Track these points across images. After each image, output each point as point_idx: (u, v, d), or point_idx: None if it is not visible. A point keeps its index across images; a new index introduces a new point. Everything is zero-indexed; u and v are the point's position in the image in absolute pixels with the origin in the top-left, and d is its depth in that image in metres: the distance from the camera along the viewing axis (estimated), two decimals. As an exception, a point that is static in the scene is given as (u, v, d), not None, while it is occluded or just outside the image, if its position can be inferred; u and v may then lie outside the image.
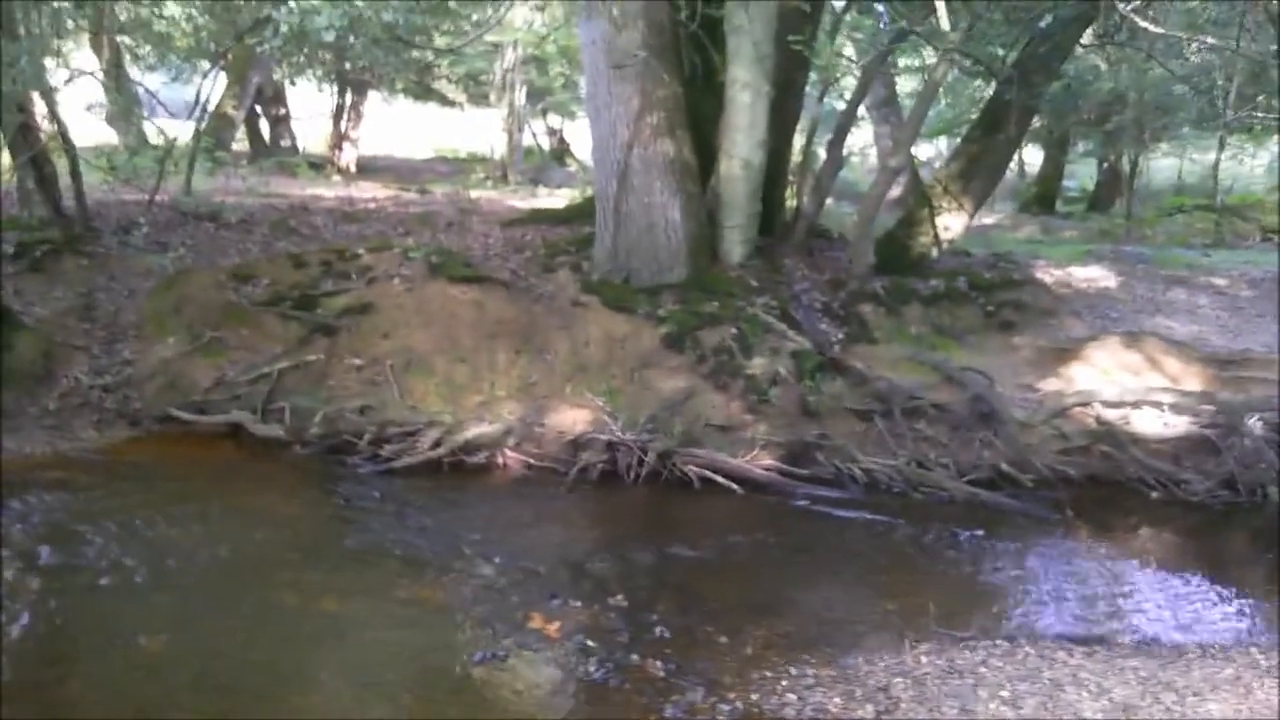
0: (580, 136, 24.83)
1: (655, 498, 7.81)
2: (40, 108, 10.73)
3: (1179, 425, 8.42)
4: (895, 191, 15.48)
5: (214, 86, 14.94)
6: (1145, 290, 11.31)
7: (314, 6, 9.00)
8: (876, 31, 13.71)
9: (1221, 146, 18.33)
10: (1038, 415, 8.49)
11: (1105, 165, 22.07)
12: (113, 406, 8.62)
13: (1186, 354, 9.21)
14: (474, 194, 15.99)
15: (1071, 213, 21.23)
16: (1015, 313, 10.03)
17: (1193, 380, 8.92)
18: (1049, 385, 8.94)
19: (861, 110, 16.18)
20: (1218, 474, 8.10)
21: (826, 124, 14.97)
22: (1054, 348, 9.49)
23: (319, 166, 19.56)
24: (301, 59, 18.78)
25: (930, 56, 14.67)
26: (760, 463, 8.06)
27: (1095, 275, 11.78)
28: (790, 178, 12.10)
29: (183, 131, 13.49)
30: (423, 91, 24.30)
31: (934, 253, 10.82)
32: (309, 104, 23.30)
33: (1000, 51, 11.75)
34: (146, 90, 15.67)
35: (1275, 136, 18.40)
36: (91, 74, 13.56)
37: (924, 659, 5.35)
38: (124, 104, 15.44)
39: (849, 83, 16.40)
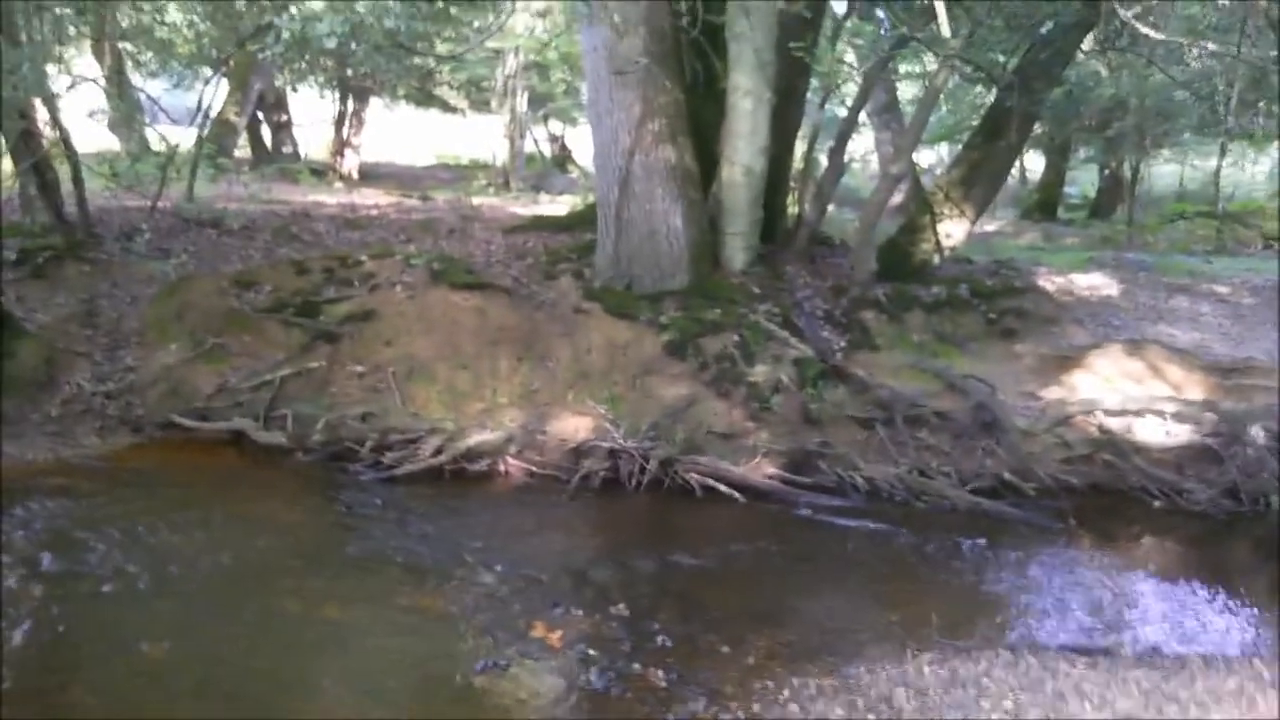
0: (582, 143, 24.85)
1: (657, 506, 7.80)
2: (42, 114, 10.74)
3: (1181, 434, 8.41)
4: (897, 198, 15.51)
5: (216, 93, 14.96)
6: (1147, 298, 11.30)
7: (315, 13, 9.02)
8: (877, 38, 13.69)
9: (1223, 153, 18.32)
10: (1040, 423, 8.48)
11: (1106, 172, 22.09)
12: (115, 413, 8.61)
13: (1189, 362, 9.20)
14: (476, 200, 16.03)
15: (1073, 219, 21.24)
16: (1017, 320, 10.01)
17: (1195, 388, 8.91)
18: (1051, 393, 8.93)
19: (863, 116, 16.19)
20: (1220, 483, 8.08)
21: (828, 130, 14.98)
22: (1056, 355, 9.48)
23: (321, 173, 19.59)
24: (303, 65, 18.80)
25: (931, 63, 14.68)
26: (762, 471, 8.05)
27: (1097, 282, 11.77)
28: (792, 184, 12.10)
29: (185, 138, 13.50)
30: (424, 98, 24.34)
31: (936, 260, 10.82)
32: (311, 110, 23.34)
33: (1001, 58, 11.76)
34: (148, 97, 15.67)
35: (1276, 143, 18.39)
36: (94, 80, 13.56)
37: (926, 669, 5.34)
38: (126, 110, 15.43)
39: (850, 89, 16.42)
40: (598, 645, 5.54)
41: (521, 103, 21.88)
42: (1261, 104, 13.87)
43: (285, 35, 8.97)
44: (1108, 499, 8.12)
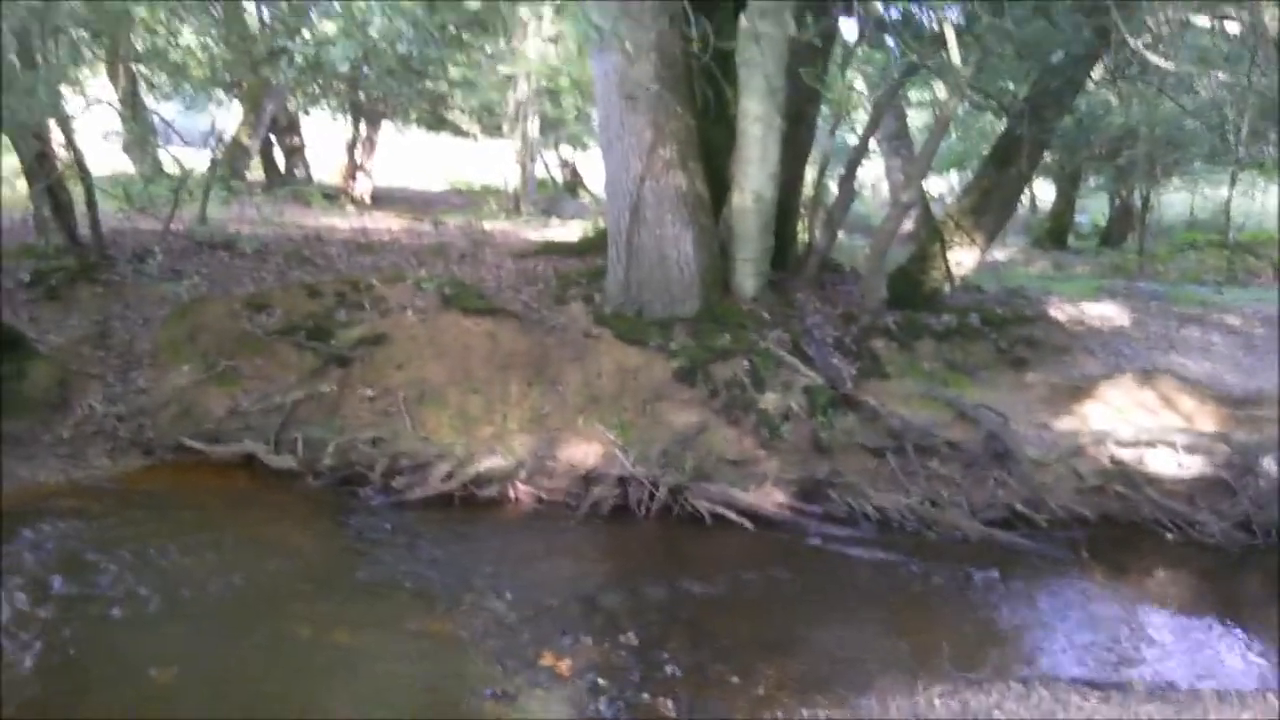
0: (593, 168, 24.95)
1: (666, 533, 7.77)
2: (57, 136, 10.80)
3: (1194, 465, 8.37)
4: (907, 225, 15.52)
5: (229, 116, 15.05)
6: (1159, 327, 11.28)
7: (329, 37, 9.08)
8: (888, 65, 13.75)
9: (1233, 182, 18.32)
10: (1052, 454, 8.45)
11: (1117, 200, 22.11)
12: (126, 435, 8.63)
13: (1201, 393, 9.17)
14: (487, 225, 16.03)
15: (1084, 248, 21.24)
16: (1028, 349, 9.99)
17: (1207, 419, 8.88)
18: (1063, 423, 8.90)
19: (873, 143, 16.22)
20: (1233, 515, 8.03)
21: (838, 157, 15.03)
22: (1068, 385, 9.44)
23: (333, 196, 19.65)
24: (316, 89, 18.95)
25: (941, 90, 14.73)
26: (772, 499, 8.03)
27: (1108, 312, 11.75)
28: (802, 211, 12.12)
29: (198, 160, 13.58)
30: (436, 122, 24.41)
31: (946, 288, 10.82)
32: (323, 134, 23.45)
33: (1011, 86, 11.79)
34: (162, 119, 15.78)
35: (1286, 173, 18.42)
36: (108, 103, 13.66)
37: (937, 701, 5.32)
38: (140, 132, 15.57)
39: (860, 116, 16.50)
40: (607, 674, 5.53)
41: (533, 128, 21.95)
42: (1272, 134, 13.87)
43: (299, 59, 9.05)
44: (1120, 530, 8.08)
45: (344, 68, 9.18)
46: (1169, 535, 7.98)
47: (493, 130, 24.06)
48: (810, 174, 12.48)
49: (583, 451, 8.34)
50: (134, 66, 17.84)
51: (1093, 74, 11.35)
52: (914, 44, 10.12)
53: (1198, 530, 7.96)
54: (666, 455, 8.22)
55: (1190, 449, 8.42)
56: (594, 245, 12.00)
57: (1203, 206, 23.05)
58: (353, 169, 21.49)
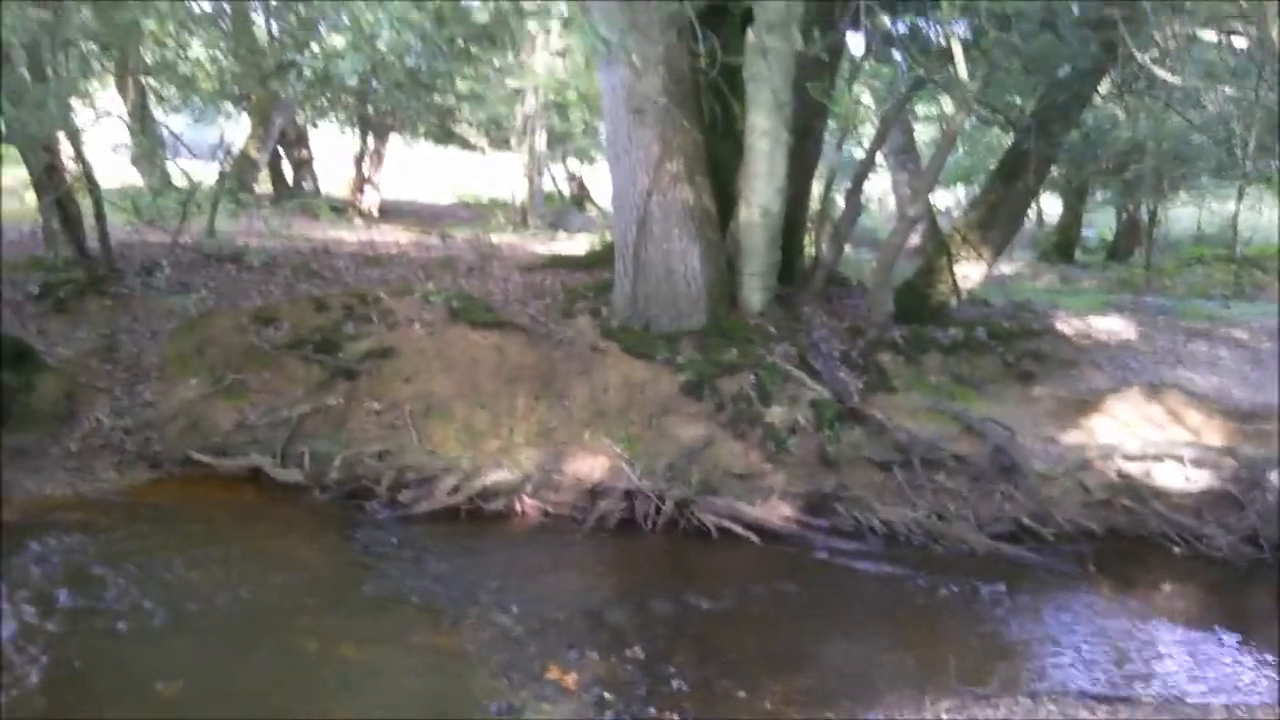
0: (600, 182, 25.00)
1: (673, 547, 7.77)
2: (66, 149, 10.84)
3: (1201, 479, 8.37)
4: (914, 239, 15.52)
5: (238, 129, 15.11)
6: (1166, 341, 11.26)
7: (338, 51, 9.11)
8: (895, 79, 13.76)
9: (1241, 196, 18.29)
10: (1059, 468, 8.45)
11: (1124, 214, 22.07)
12: (134, 448, 8.63)
13: (1208, 407, 9.16)
14: (494, 239, 16.07)
15: (1090, 262, 21.21)
16: (1035, 363, 9.99)
17: (1214, 433, 8.87)
18: (1070, 437, 8.89)
19: (880, 157, 16.23)
20: (1240, 529, 8.04)
21: (845, 171, 15.01)
22: (1074, 399, 9.44)
23: (341, 209, 19.69)
24: (325, 102, 19.00)
25: (948, 105, 14.73)
26: (779, 512, 8.03)
27: (1115, 326, 11.74)
28: (809, 225, 12.12)
29: (206, 173, 13.61)
30: (444, 135, 24.45)
31: (953, 302, 10.82)
32: (332, 147, 23.50)
33: (1018, 101, 11.80)
34: (171, 132, 15.84)
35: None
36: (117, 116, 13.72)
37: (945, 716, 5.31)
38: (149, 145, 15.61)
39: (867, 130, 16.51)
40: (613, 688, 5.52)
41: (540, 141, 22.00)
42: (1278, 148, 13.84)
43: (307, 73, 9.07)
44: (1127, 544, 8.07)
45: (352, 81, 9.19)
46: (1176, 549, 7.98)
47: (500, 144, 24.10)
48: (817, 188, 12.49)
49: (589, 465, 8.34)
50: (143, 79, 17.91)
51: (1100, 88, 11.35)
52: (921, 58, 10.13)
53: (1205, 544, 7.96)
54: (673, 469, 8.22)
55: (1197, 463, 8.42)
56: (601, 259, 12.01)
57: (1210, 221, 23.03)
58: (361, 182, 21.53)
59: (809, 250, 11.94)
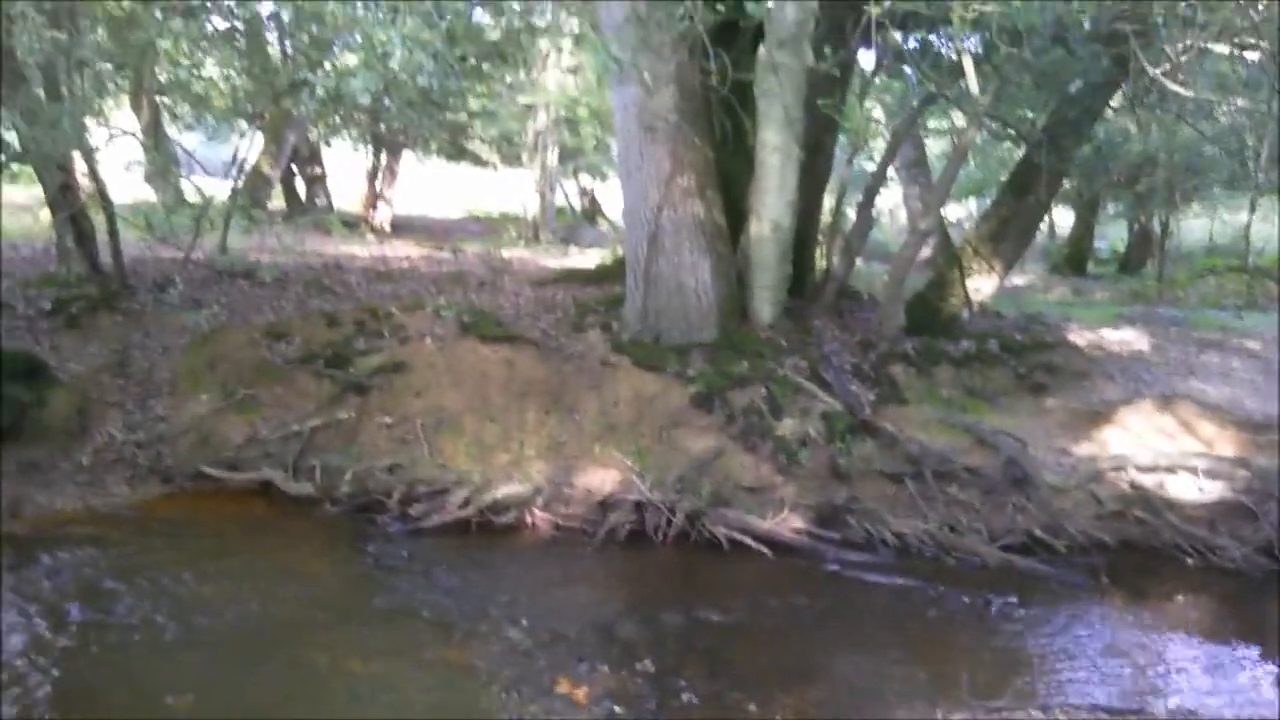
0: (611, 197, 25.04)
1: (683, 559, 7.75)
2: (80, 166, 10.90)
3: (1214, 490, 8.32)
4: (925, 252, 15.50)
5: (251, 146, 15.16)
6: (1178, 353, 11.23)
7: (350, 69, 9.15)
8: (906, 94, 13.78)
9: (1253, 208, 18.22)
10: (1071, 479, 8.41)
11: (1136, 226, 22.05)
12: (145, 463, 8.66)
13: (1221, 418, 9.12)
14: (506, 253, 16.12)
15: (1103, 274, 21.19)
16: (1047, 375, 9.96)
17: (1228, 445, 8.82)
18: (1082, 449, 8.86)
19: (891, 170, 16.24)
20: (1255, 540, 7.98)
21: (856, 185, 15.04)
22: (1087, 411, 9.41)
23: (353, 225, 19.77)
24: (337, 120, 19.08)
25: (960, 119, 14.74)
26: (790, 525, 8.00)
27: (1128, 337, 11.71)
28: (820, 239, 12.13)
29: (219, 190, 13.67)
30: (456, 152, 24.57)
31: (965, 314, 10.80)
32: (345, 163, 23.61)
33: (1030, 115, 11.80)
34: (184, 150, 15.91)
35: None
36: (131, 134, 13.78)
37: (956, 729, 5.28)
38: (162, 163, 15.65)
39: (879, 144, 16.52)
40: (623, 702, 5.51)
41: (552, 157, 22.09)
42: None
43: (320, 91, 9.10)
44: (1140, 556, 8.03)
45: (365, 99, 9.22)
46: (1189, 560, 7.93)
47: (512, 160, 24.21)
48: (828, 202, 12.50)
49: (600, 478, 8.34)
50: (157, 98, 18.01)
51: (1111, 101, 11.33)
52: (932, 74, 10.15)
53: (1218, 555, 7.91)
54: (683, 481, 8.21)
55: (1210, 474, 8.38)
56: (612, 273, 12.04)
57: (1222, 232, 22.97)
58: (373, 198, 21.64)
59: (820, 264, 11.95)
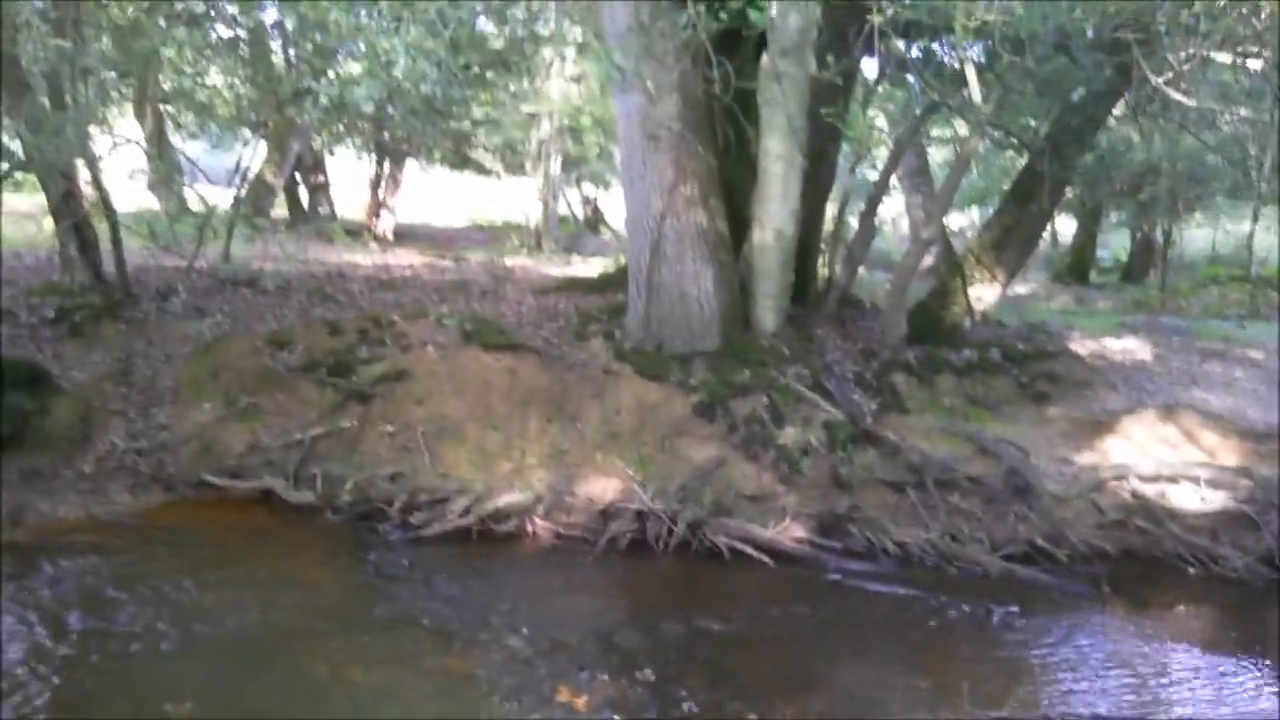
0: (614, 205, 25.07)
1: (685, 568, 7.74)
2: (84, 174, 10.92)
3: (1216, 500, 8.31)
4: (928, 261, 15.50)
5: (254, 154, 15.19)
6: (1181, 362, 11.23)
7: (353, 78, 9.16)
8: (909, 103, 13.78)
9: (1256, 217, 18.25)
10: (1073, 489, 8.40)
11: (1139, 235, 22.04)
12: (147, 471, 8.65)
13: (1223, 427, 9.11)
14: (509, 261, 16.13)
15: (1105, 283, 21.18)
16: (1049, 384, 9.96)
17: (1230, 454, 8.81)
18: (1084, 458, 8.85)
19: (893, 179, 16.24)
20: (1256, 550, 7.97)
21: (859, 194, 15.04)
22: (1089, 420, 9.41)
23: (356, 233, 19.79)
24: (341, 129, 19.12)
25: (962, 128, 14.74)
26: (791, 534, 7.99)
27: (1130, 346, 11.71)
28: (823, 247, 12.14)
29: (223, 198, 13.69)
30: (460, 160, 24.62)
31: (967, 323, 10.80)
32: (348, 171, 23.64)
33: (1032, 123, 11.80)
34: (187, 158, 15.94)
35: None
36: (135, 142, 13.83)
37: (957, 739, 5.27)
38: (165, 171, 15.70)
39: (881, 152, 16.51)
40: (623, 711, 5.50)
41: (555, 166, 22.11)
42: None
43: (323, 100, 9.11)
44: (1142, 565, 8.02)
45: (368, 108, 9.23)
46: (1191, 570, 7.92)
47: (516, 168, 24.24)
48: (831, 210, 12.51)
49: (601, 486, 8.34)
50: (161, 106, 18.06)
51: (1114, 110, 11.34)
52: (935, 82, 10.16)
53: (1220, 565, 7.90)
54: (685, 490, 8.21)
55: (1213, 483, 8.37)
56: (614, 281, 12.04)
57: (1225, 241, 23.00)
58: (376, 206, 21.67)
59: (823, 272, 11.95)
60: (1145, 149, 15.30)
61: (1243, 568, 7.84)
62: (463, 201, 28.12)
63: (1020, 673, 6.35)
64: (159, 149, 17.02)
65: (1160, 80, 8.18)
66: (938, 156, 21.83)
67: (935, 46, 10.75)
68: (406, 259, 16.79)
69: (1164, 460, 8.68)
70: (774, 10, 8.60)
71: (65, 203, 10.59)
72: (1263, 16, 7.66)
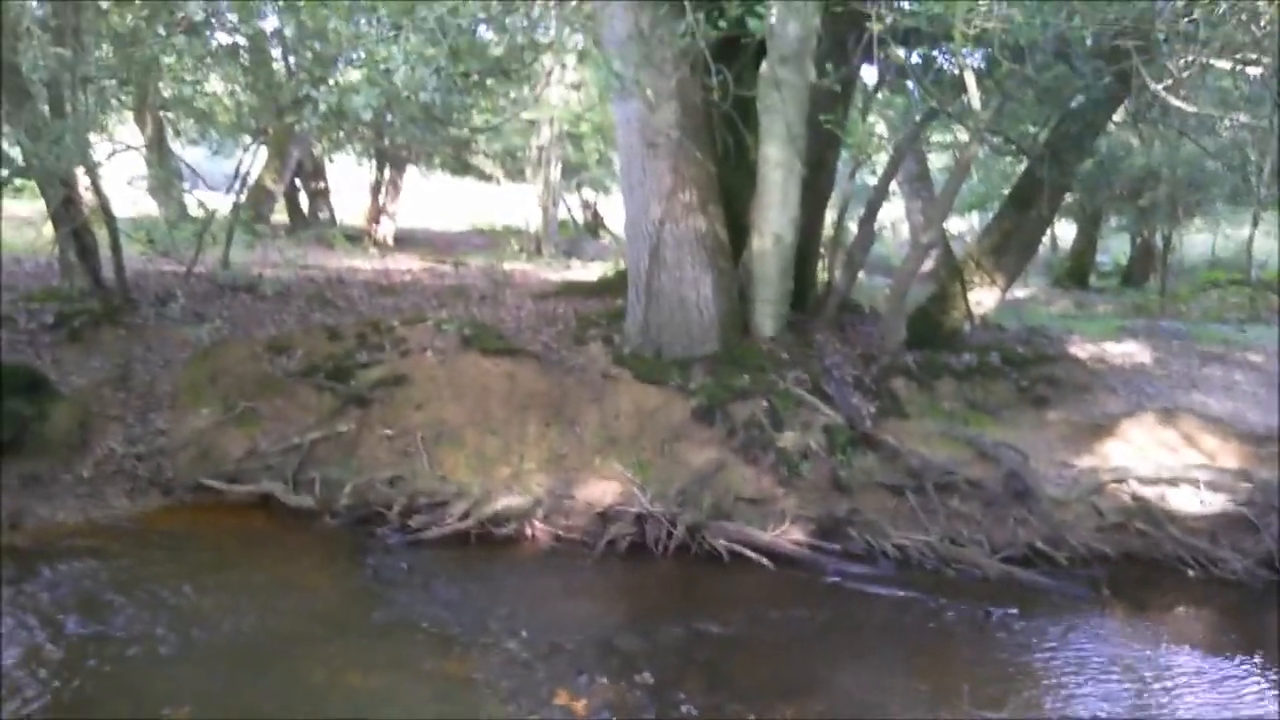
0: (613, 210, 25.10)
1: (684, 571, 7.73)
2: (83, 181, 10.92)
3: (1216, 503, 8.30)
4: (928, 266, 15.51)
5: (254, 161, 15.19)
6: (1181, 366, 11.22)
7: (353, 85, 9.16)
8: (909, 109, 13.78)
9: (1255, 222, 18.26)
10: (1073, 492, 8.40)
11: (1139, 240, 22.04)
12: (146, 475, 8.66)
13: (1223, 430, 9.11)
14: (508, 266, 16.14)
15: (1105, 287, 21.19)
16: (1049, 388, 9.95)
17: (1230, 457, 8.80)
18: (1084, 462, 8.85)
19: (893, 185, 16.24)
20: (1256, 552, 7.97)
21: (858, 199, 15.04)
22: (1089, 424, 9.40)
23: (356, 239, 19.81)
24: (341, 135, 19.11)
25: (962, 134, 14.76)
26: (791, 537, 7.99)
27: (1130, 350, 11.70)
28: (822, 252, 12.14)
29: (223, 204, 13.70)
30: (460, 166, 24.64)
31: (966, 327, 10.80)
32: (349, 177, 23.65)
33: (1032, 130, 11.81)
34: (187, 164, 15.93)
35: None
36: (135, 148, 13.82)
37: (957, 742, 5.26)
38: (165, 177, 15.70)
39: (881, 158, 16.52)
40: (622, 714, 5.49)
41: (555, 172, 22.13)
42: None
43: (323, 107, 9.11)
44: (1141, 568, 8.01)
45: (368, 115, 9.23)
46: (1191, 573, 7.92)
47: (516, 174, 24.26)
48: (830, 216, 12.51)
49: (600, 490, 8.34)
50: (161, 113, 18.07)
51: (1114, 116, 11.34)
52: (934, 89, 10.16)
53: (1220, 568, 7.90)
54: (684, 494, 8.21)
55: (1212, 486, 8.37)
56: (613, 286, 12.05)
57: (1224, 246, 23.01)
58: (376, 212, 21.68)
59: (822, 277, 11.95)
60: (1145, 154, 15.33)
61: (1242, 570, 7.84)
62: (463, 207, 28.13)
63: (1020, 675, 6.35)
64: (159, 155, 17.04)
65: (1160, 87, 8.19)
66: (937, 162, 21.83)
67: (935, 54, 10.76)
68: (406, 264, 16.80)
69: (1163, 463, 8.68)
70: (773, 18, 8.60)
71: (65, 209, 10.60)
72: (1262, 23, 7.66)
